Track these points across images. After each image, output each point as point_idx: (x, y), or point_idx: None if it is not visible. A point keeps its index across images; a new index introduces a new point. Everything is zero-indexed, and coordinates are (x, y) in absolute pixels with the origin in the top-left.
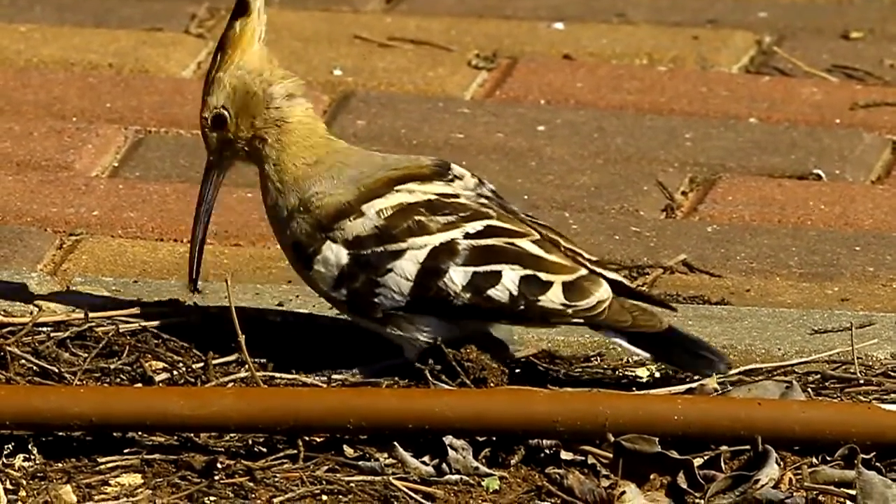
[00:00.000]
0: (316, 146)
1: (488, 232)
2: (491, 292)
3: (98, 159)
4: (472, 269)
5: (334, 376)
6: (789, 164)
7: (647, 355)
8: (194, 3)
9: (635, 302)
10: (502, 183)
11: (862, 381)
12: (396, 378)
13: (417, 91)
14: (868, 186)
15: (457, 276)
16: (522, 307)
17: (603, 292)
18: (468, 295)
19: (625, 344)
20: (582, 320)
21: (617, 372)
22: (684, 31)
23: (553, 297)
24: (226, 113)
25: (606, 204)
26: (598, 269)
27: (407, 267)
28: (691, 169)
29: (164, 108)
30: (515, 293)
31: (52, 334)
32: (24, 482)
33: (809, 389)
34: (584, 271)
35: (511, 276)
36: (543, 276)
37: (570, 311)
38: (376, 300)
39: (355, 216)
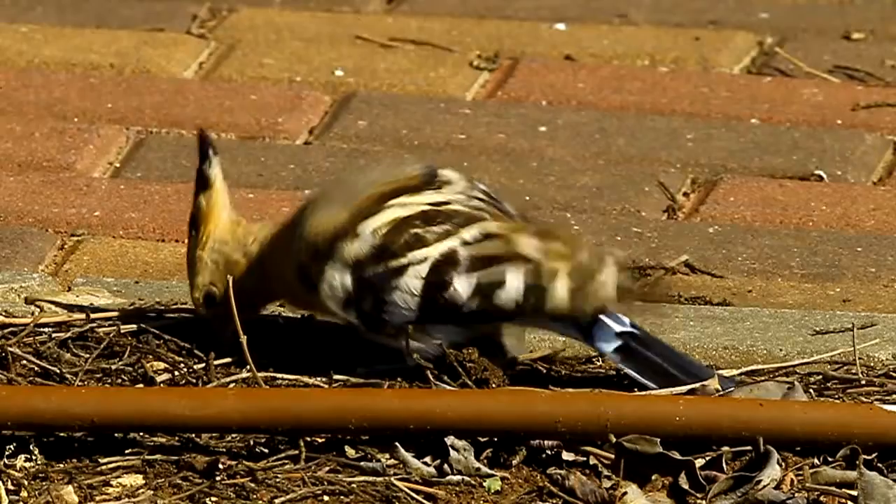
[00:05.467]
0: (283, 236)
1: (484, 235)
2: (497, 295)
3: (99, 160)
4: (475, 275)
5: (336, 377)
6: (791, 165)
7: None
8: (196, 4)
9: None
10: (504, 184)
11: (864, 382)
12: (398, 378)
13: (419, 92)
14: (870, 187)
15: (461, 286)
16: (533, 305)
17: (608, 273)
18: (476, 302)
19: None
20: (592, 309)
21: (619, 373)
22: (686, 31)
23: (560, 289)
24: (214, 289)
25: (608, 205)
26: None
27: (411, 283)
28: (693, 170)
29: (165, 109)
30: (522, 293)
31: (53, 335)
32: (26, 482)
33: (811, 390)
34: (585, 256)
35: (515, 277)
36: (546, 269)
37: (578, 300)
38: (386, 317)
39: (351, 238)
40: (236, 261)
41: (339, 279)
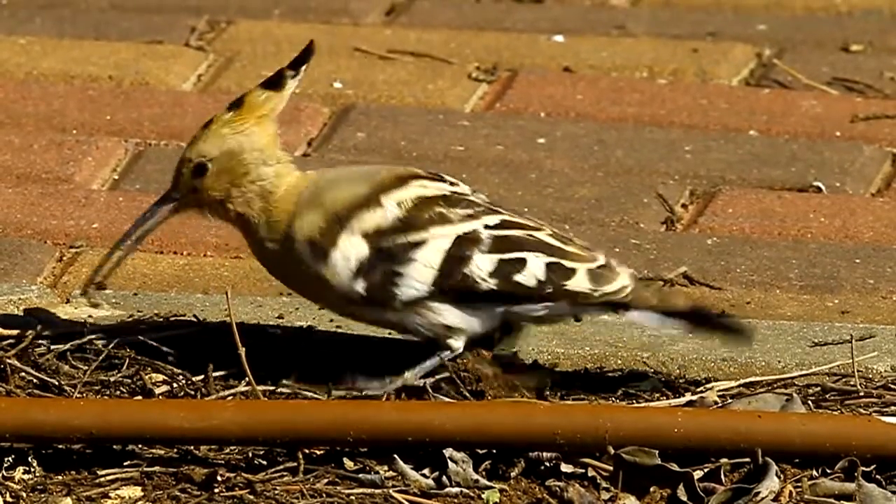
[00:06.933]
0: (298, 190)
1: (506, 225)
2: (518, 277)
3: (98, 172)
4: (497, 255)
5: (334, 390)
6: (789, 177)
7: (679, 328)
8: (194, 16)
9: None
10: (502, 195)
11: (862, 394)
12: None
13: (417, 103)
14: (868, 199)
15: (483, 263)
16: (550, 290)
17: (624, 277)
18: (495, 281)
19: (655, 322)
20: (609, 302)
21: (617, 385)
22: (684, 43)
23: (579, 281)
24: (209, 166)
25: (606, 216)
26: (612, 261)
27: (431, 256)
28: (691, 181)
29: (164, 121)
30: (543, 278)
31: (51, 347)
32: (24, 495)
33: (810, 402)
34: (602, 260)
35: (537, 262)
36: (567, 262)
37: (597, 293)
38: (396, 290)
39: (374, 207)
40: (246, 170)
41: (354, 248)
